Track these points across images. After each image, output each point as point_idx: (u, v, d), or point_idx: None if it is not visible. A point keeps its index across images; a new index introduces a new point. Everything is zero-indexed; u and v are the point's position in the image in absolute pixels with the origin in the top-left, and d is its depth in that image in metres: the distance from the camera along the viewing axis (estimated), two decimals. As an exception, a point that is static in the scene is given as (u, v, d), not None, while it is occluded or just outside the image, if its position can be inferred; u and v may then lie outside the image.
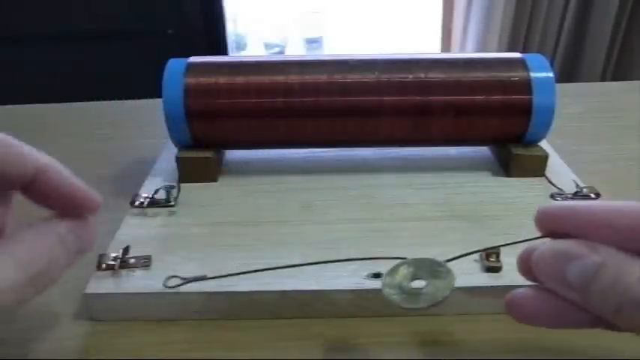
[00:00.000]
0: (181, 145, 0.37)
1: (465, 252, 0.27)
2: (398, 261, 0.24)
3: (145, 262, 0.28)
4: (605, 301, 0.18)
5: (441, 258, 0.24)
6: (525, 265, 0.21)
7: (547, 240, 0.21)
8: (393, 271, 0.23)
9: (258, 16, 2.03)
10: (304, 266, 0.28)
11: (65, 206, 0.22)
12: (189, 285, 0.27)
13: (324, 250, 0.29)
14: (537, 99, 0.36)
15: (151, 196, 0.34)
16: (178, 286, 0.27)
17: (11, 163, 0.21)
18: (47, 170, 0.22)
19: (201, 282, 0.27)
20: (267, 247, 0.30)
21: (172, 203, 0.34)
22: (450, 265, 0.23)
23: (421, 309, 0.22)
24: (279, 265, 0.28)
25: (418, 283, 0.23)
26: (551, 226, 0.21)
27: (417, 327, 0.27)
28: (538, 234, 0.21)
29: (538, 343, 0.25)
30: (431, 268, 0.23)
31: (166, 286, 0.27)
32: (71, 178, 0.23)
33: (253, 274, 0.27)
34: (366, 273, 0.27)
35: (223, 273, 0.27)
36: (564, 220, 0.20)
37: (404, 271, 0.23)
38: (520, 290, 0.21)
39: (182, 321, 0.27)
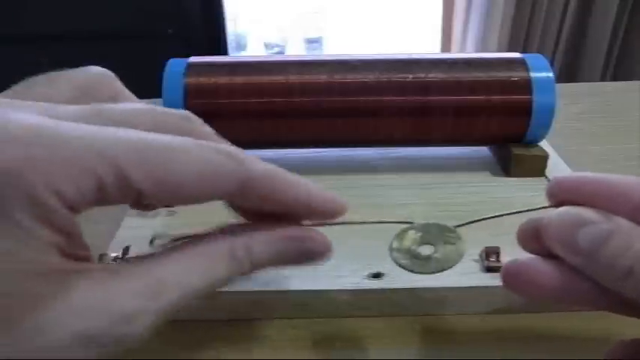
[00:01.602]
0: (181, 145, 0.37)
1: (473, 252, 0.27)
2: (405, 225, 0.23)
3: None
4: (613, 267, 0.18)
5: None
6: (527, 235, 0.21)
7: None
8: (400, 235, 0.23)
9: (258, 16, 2.03)
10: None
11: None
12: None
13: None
14: (537, 99, 0.36)
15: (151, 196, 0.34)
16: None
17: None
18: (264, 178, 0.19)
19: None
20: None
21: (172, 203, 0.34)
22: (460, 230, 0.23)
23: (431, 273, 0.22)
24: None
25: (427, 249, 0.23)
26: (567, 194, 0.20)
27: (417, 327, 0.27)
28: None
29: (538, 343, 0.25)
30: (440, 233, 0.23)
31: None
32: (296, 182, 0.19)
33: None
34: (366, 273, 0.27)
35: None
36: (581, 188, 0.20)
37: (413, 235, 0.23)
38: (518, 259, 0.20)
39: (182, 321, 0.27)
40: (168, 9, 1.45)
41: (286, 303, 0.27)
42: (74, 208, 0.15)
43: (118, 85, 0.21)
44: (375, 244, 0.30)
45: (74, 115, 0.17)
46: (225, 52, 1.58)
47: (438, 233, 0.23)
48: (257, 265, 0.19)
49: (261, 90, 0.36)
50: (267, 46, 2.05)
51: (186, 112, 0.20)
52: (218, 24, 1.55)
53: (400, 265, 0.22)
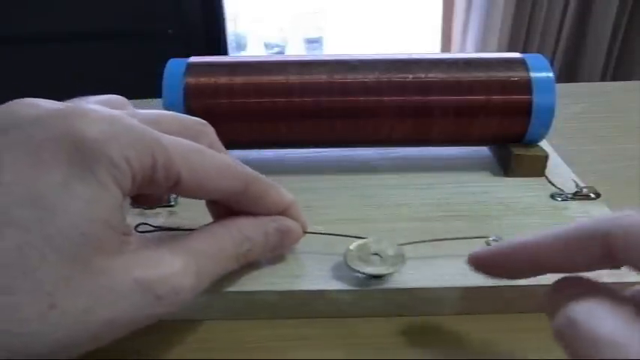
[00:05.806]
0: (181, 145, 0.37)
1: (453, 251, 0.28)
2: (365, 239, 0.28)
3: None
4: None
5: (438, 255, 0.27)
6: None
7: None
8: (359, 245, 0.28)
9: (258, 16, 2.03)
10: (302, 265, 0.28)
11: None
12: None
13: (324, 249, 0.29)
14: (537, 99, 0.36)
15: (151, 196, 0.34)
16: (148, 232, 0.29)
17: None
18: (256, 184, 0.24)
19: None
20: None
21: (172, 203, 0.34)
22: (405, 248, 0.27)
23: (371, 276, 0.26)
24: (279, 267, 0.28)
25: (375, 258, 0.27)
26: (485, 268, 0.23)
27: (417, 327, 0.27)
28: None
29: (538, 343, 0.25)
30: (388, 248, 0.27)
31: (138, 231, 0.28)
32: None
33: (255, 272, 0.27)
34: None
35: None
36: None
37: (366, 246, 0.28)
38: None
39: (182, 321, 0.27)
40: (168, 9, 1.45)
41: (286, 303, 0.27)
42: (134, 179, 0.19)
43: (132, 107, 0.25)
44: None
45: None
46: (225, 52, 1.58)
47: (386, 247, 0.28)
48: (253, 244, 0.24)
49: (261, 90, 0.36)
50: (267, 46, 2.05)
51: (201, 120, 0.26)
52: (218, 24, 1.55)
53: (352, 266, 0.26)
